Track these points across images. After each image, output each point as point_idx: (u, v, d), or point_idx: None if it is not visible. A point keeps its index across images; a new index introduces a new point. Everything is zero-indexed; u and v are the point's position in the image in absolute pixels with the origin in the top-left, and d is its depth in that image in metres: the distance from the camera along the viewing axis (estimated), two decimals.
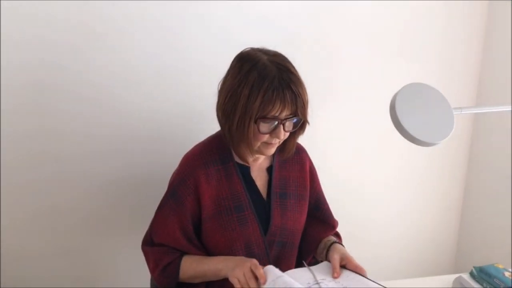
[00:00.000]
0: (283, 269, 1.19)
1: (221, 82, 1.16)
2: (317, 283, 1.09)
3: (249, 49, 1.14)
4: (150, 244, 1.22)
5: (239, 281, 1.05)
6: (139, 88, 1.59)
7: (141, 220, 1.73)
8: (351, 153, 1.88)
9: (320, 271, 1.15)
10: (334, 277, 1.11)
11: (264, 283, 1.04)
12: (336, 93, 1.78)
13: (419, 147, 1.85)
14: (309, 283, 1.10)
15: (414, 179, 1.99)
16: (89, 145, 1.55)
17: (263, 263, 1.21)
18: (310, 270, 1.15)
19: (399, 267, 2.07)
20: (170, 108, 1.62)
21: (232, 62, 1.15)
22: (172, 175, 1.26)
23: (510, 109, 0.96)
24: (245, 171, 1.23)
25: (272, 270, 1.09)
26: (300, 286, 0.98)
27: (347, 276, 1.10)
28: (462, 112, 0.92)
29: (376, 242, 1.99)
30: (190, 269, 1.17)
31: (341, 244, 1.28)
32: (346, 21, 1.73)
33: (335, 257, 1.14)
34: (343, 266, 1.15)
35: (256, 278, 1.05)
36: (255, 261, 1.09)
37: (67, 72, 1.46)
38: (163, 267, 1.17)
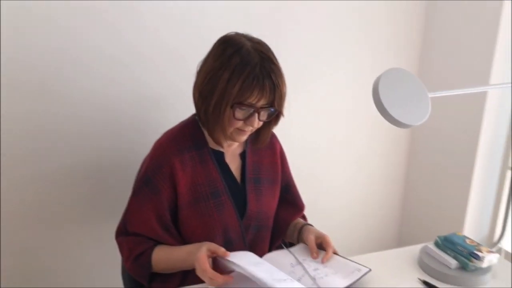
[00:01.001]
0: (258, 252, 1.21)
1: (200, 63, 1.13)
2: (300, 263, 1.12)
3: (233, 33, 1.12)
4: (124, 233, 1.18)
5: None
6: (95, 74, 1.50)
7: (100, 213, 1.65)
8: (306, 128, 1.94)
9: (298, 253, 1.19)
10: (314, 258, 1.14)
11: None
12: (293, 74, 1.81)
13: (366, 127, 1.94)
14: (291, 263, 1.13)
15: (361, 155, 2.10)
16: (38, 140, 1.46)
17: (240, 247, 1.23)
18: (290, 252, 1.18)
19: (347, 237, 2.18)
20: (127, 95, 1.55)
21: (215, 44, 1.12)
22: (144, 162, 1.21)
23: (474, 90, 1.04)
24: (219, 156, 1.22)
25: (248, 257, 1.10)
26: (263, 278, 0.97)
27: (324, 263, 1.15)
28: (436, 95, 0.99)
29: (325, 211, 2.07)
30: (161, 261, 1.14)
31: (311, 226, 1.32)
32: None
33: (311, 238, 1.18)
34: (319, 246, 1.19)
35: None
36: (204, 251, 1.06)
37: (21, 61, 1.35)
38: (136, 257, 1.14)
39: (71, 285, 1.65)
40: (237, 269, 1.02)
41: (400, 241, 2.31)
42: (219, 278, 1.01)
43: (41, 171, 1.50)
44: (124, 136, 1.58)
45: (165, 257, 1.15)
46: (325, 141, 1.99)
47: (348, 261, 1.14)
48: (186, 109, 1.27)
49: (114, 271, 1.44)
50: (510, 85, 1.06)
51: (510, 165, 1.75)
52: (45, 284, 1.61)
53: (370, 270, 1.09)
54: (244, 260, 1.05)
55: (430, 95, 0.98)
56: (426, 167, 2.12)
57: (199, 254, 1.04)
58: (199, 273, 1.04)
